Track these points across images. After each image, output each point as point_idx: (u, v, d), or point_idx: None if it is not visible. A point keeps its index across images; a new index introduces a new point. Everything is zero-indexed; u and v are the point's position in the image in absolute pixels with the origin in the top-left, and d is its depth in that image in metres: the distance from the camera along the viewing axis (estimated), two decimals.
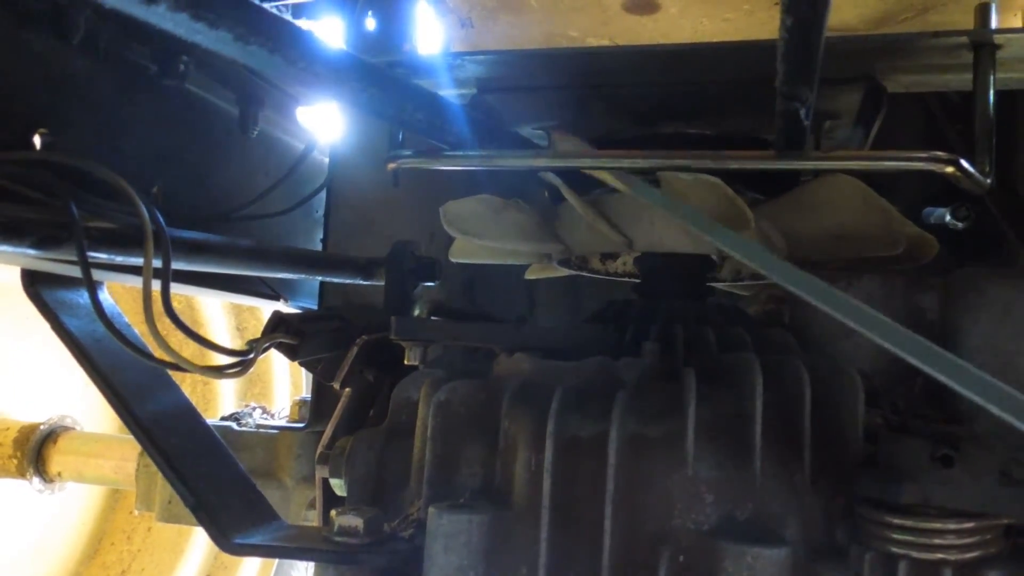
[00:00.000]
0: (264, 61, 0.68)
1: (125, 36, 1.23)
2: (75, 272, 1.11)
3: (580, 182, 1.16)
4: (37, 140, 1.07)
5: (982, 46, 0.89)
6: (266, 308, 2.33)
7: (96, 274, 1.04)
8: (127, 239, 1.04)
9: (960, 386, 0.63)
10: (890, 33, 0.97)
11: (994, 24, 0.90)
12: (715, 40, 1.21)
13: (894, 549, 0.78)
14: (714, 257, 1.23)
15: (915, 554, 0.77)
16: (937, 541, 0.77)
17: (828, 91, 1.00)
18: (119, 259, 1.05)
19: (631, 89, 1.17)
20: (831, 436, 0.87)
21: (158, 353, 1.07)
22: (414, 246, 1.48)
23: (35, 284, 1.13)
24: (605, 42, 1.31)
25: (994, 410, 0.61)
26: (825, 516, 0.84)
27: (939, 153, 0.85)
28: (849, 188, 1.03)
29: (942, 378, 0.64)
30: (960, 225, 1.60)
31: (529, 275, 1.45)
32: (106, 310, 1.08)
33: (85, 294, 1.14)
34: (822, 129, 1.16)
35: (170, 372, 1.20)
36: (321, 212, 1.77)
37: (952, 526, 0.77)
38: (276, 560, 2.50)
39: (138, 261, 1.02)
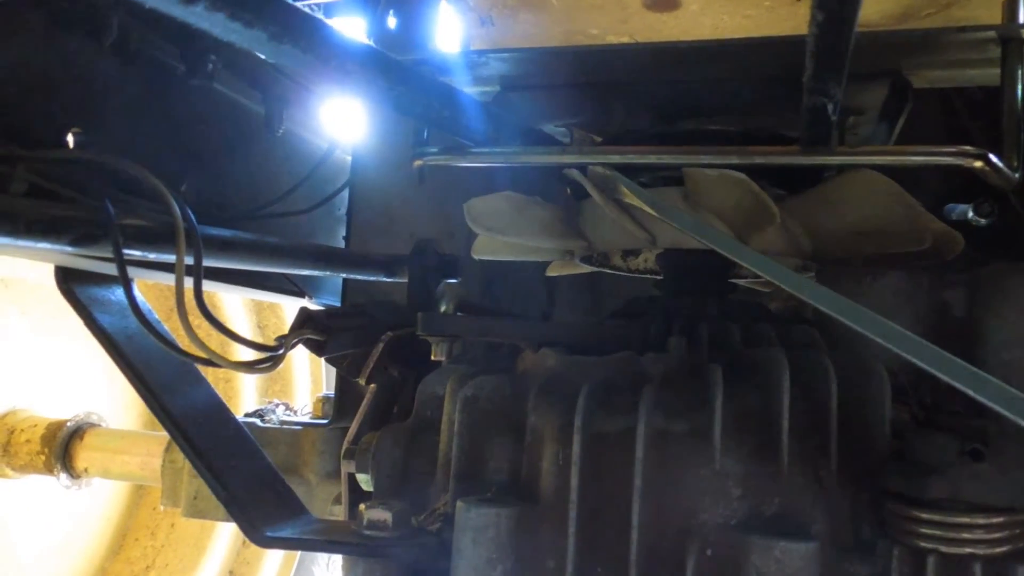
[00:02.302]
0: (297, 59, 0.69)
1: (156, 37, 1.25)
2: (106, 268, 1.13)
3: None
4: (70, 139, 1.09)
5: (1010, 41, 0.89)
6: (288, 305, 2.35)
7: (128, 271, 1.06)
8: (159, 236, 1.06)
9: (979, 394, 0.63)
10: (917, 28, 0.97)
11: (1022, 19, 0.90)
12: (736, 36, 1.21)
13: (922, 544, 0.78)
14: None
15: (944, 548, 0.77)
16: (966, 536, 0.77)
17: (854, 87, 1.00)
18: (152, 256, 1.07)
19: (652, 86, 1.17)
20: (858, 431, 0.87)
21: (189, 348, 1.08)
22: (436, 243, 1.49)
23: (68, 281, 1.15)
24: (625, 39, 1.31)
25: (1010, 415, 0.61)
26: (852, 511, 0.84)
27: (967, 148, 0.85)
28: (874, 183, 1.03)
29: (960, 385, 0.64)
30: (983, 221, 1.58)
31: (551, 272, 1.46)
32: (139, 306, 1.10)
33: (117, 290, 1.16)
34: (847, 125, 1.16)
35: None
36: (344, 210, 1.78)
37: (981, 520, 0.77)
38: (298, 556, 2.52)
39: (170, 258, 1.04)
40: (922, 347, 0.64)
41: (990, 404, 0.61)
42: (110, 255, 1.00)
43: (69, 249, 0.97)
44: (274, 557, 2.57)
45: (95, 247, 1.00)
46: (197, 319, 1.08)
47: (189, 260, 1.03)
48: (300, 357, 2.73)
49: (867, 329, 0.66)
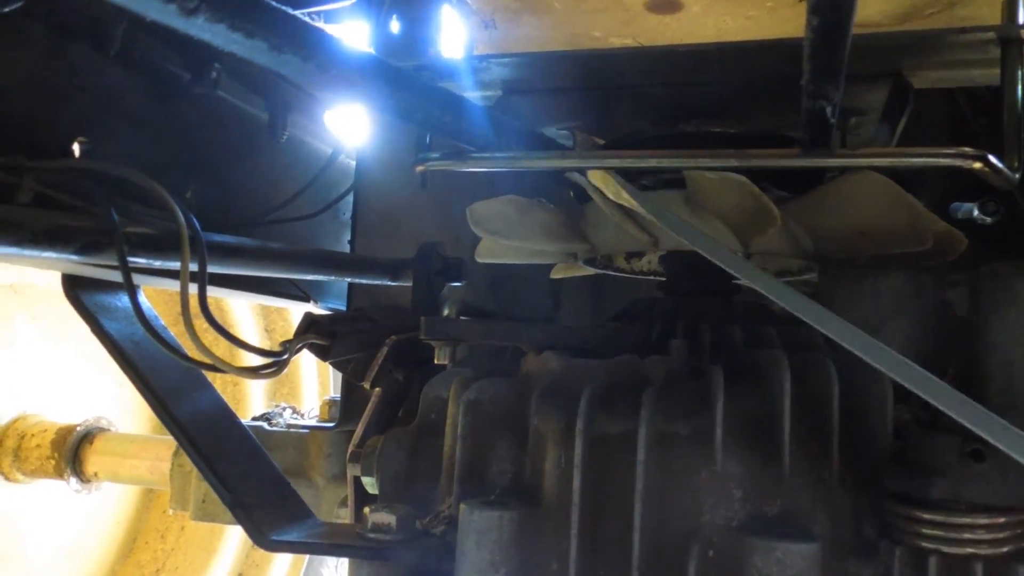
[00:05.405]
0: (297, 69, 0.70)
1: (160, 46, 1.26)
2: (113, 276, 1.14)
3: None
4: (76, 148, 1.11)
5: (1009, 41, 0.89)
6: (295, 309, 2.37)
7: (134, 278, 1.07)
8: (164, 244, 1.07)
9: (956, 413, 0.62)
10: (916, 29, 0.97)
11: (1022, 19, 0.90)
12: (738, 38, 1.21)
13: (924, 544, 0.78)
14: (740, 254, 1.24)
15: (945, 549, 0.77)
16: (967, 536, 0.77)
17: (854, 88, 1.00)
18: (157, 263, 1.08)
19: (655, 89, 1.18)
20: (860, 432, 0.87)
21: (194, 355, 1.09)
22: (440, 247, 1.49)
23: (75, 288, 1.16)
24: (628, 42, 1.31)
25: (987, 436, 0.61)
26: (854, 512, 0.84)
27: (967, 149, 0.85)
28: (875, 185, 1.03)
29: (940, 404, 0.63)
30: (988, 220, 1.58)
31: (555, 274, 1.46)
32: (144, 313, 1.11)
33: (123, 297, 1.17)
34: (848, 126, 1.16)
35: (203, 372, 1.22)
36: (348, 215, 1.79)
37: (982, 521, 0.77)
38: (307, 557, 2.53)
39: (175, 265, 1.05)
40: (901, 364, 0.64)
41: (973, 427, 0.61)
42: (115, 263, 1.01)
43: (74, 258, 0.98)
44: (283, 559, 2.58)
45: (100, 255, 1.01)
46: (204, 325, 1.09)
47: (194, 267, 1.04)
48: (308, 360, 2.74)
49: (852, 343, 0.66)
